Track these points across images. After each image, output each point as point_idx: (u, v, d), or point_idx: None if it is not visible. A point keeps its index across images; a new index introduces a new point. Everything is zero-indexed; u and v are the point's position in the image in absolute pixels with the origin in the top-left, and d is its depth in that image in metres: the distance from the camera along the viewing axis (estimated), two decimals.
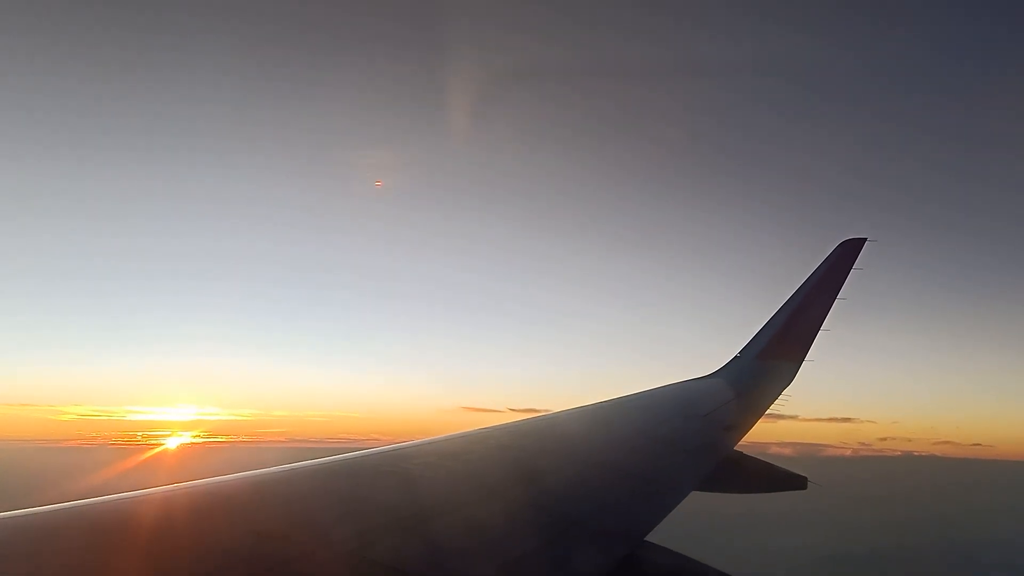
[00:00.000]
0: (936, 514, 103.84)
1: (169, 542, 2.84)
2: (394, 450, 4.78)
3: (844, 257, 11.14)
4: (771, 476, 7.63)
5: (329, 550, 2.98)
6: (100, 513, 3.04)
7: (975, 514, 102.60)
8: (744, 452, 7.58)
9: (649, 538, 4.16)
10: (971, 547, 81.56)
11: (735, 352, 11.08)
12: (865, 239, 11.28)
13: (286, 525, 3.19)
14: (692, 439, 6.92)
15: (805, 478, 7.53)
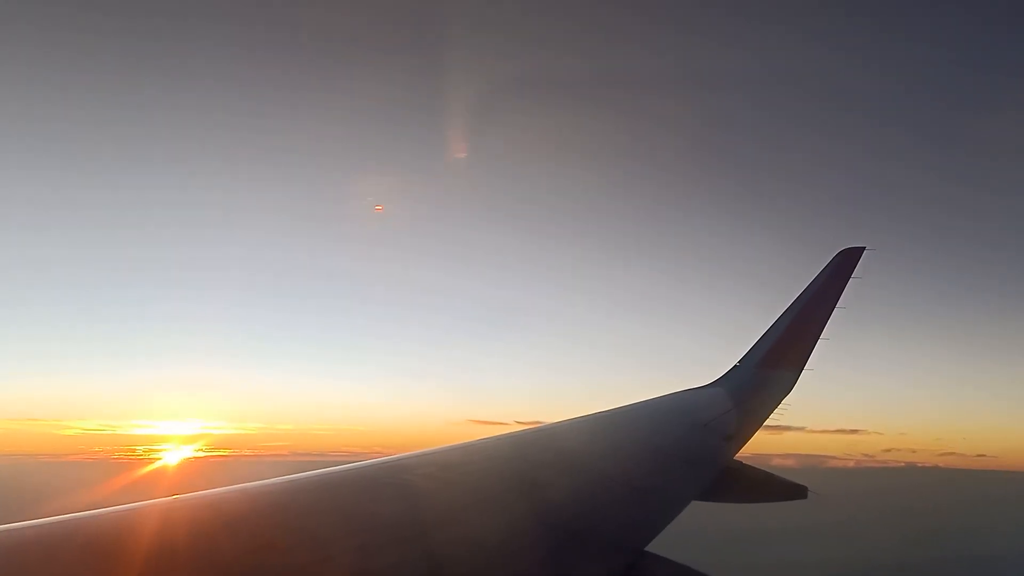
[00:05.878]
0: (939, 526, 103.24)
1: (168, 554, 2.84)
2: (394, 461, 4.77)
3: (843, 266, 11.16)
4: (771, 486, 7.61)
5: (329, 563, 2.97)
6: (98, 525, 3.03)
7: (979, 526, 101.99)
8: (744, 462, 7.57)
9: (649, 548, 4.17)
10: (974, 560, 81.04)
11: (735, 361, 11.08)
12: (864, 248, 11.31)
13: (285, 537, 3.18)
14: (692, 449, 6.91)
15: (805, 487, 7.52)
